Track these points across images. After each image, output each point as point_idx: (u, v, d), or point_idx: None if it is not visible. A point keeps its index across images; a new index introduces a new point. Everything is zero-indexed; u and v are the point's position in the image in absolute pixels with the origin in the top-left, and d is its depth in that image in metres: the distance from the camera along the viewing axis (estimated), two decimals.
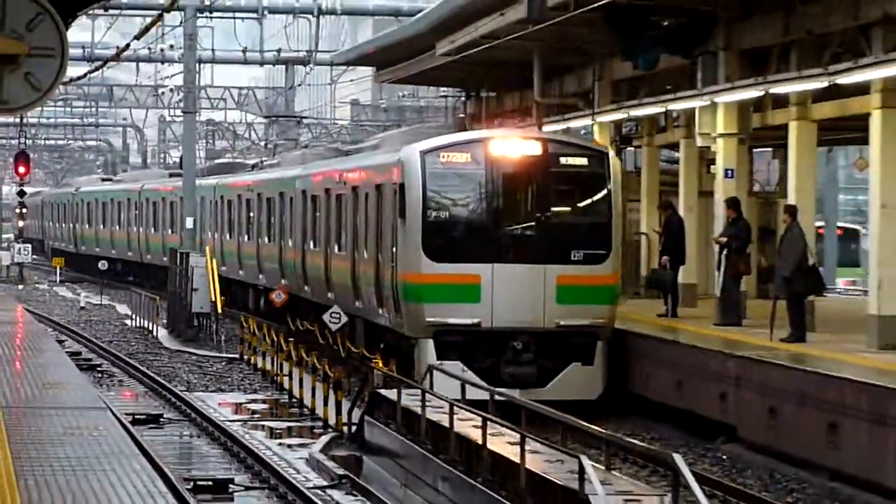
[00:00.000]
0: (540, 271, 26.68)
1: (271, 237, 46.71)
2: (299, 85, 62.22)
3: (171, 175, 65.26)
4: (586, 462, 14.94)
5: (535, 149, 27.49)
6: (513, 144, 27.65)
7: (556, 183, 27.77)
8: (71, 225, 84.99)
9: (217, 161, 57.19)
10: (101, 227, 78.18)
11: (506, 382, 25.54)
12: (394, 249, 28.47)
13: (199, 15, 46.17)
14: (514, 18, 32.03)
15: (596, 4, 26.99)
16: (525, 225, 27.62)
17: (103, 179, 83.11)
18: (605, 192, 27.52)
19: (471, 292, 26.49)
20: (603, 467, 16.13)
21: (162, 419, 30.36)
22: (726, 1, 29.24)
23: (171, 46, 52.59)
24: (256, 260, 48.27)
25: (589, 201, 28.08)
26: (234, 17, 51.51)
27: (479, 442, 18.92)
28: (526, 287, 26.60)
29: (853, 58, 25.29)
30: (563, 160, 27.39)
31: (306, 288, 40.77)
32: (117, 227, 74.61)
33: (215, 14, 49.45)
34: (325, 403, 28.34)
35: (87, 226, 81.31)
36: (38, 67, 12.86)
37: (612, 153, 28.81)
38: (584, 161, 27.56)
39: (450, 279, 26.54)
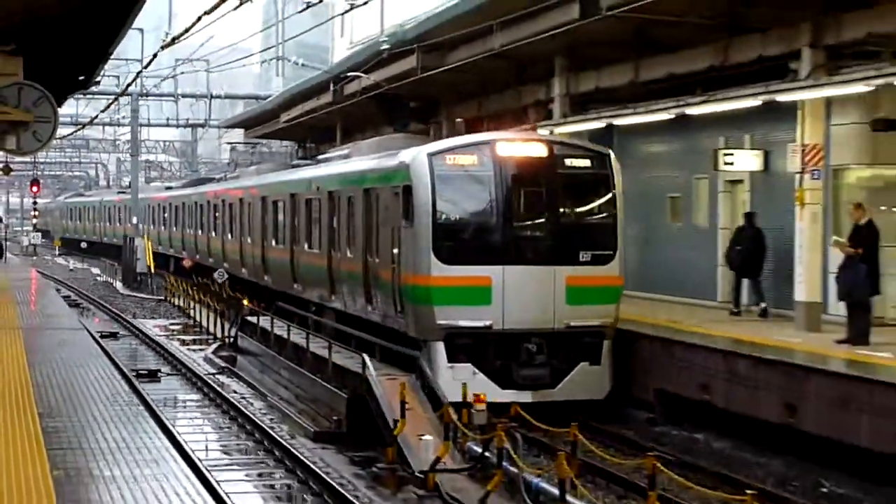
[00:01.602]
0: (550, 272, 25.34)
1: (233, 234, 48.77)
2: (200, 138, 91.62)
3: (119, 192, 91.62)
4: (366, 357, 25.56)
5: (541, 150, 26.21)
6: (519, 146, 26.27)
7: (562, 184, 26.31)
8: (64, 221, 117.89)
9: (192, 178, 71.38)
10: (80, 222, 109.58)
11: (518, 384, 24.59)
12: (394, 251, 26.63)
13: (139, 98, 68.57)
14: (325, 101, 48.75)
15: (371, 94, 42.44)
16: (534, 226, 26.34)
17: (80, 193, 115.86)
18: (610, 193, 26.33)
19: (482, 294, 24.94)
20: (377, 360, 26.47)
21: (118, 335, 43.11)
22: (445, 91, 41.15)
23: (123, 116, 75.02)
24: (221, 252, 51.02)
25: (595, 202, 26.75)
26: (160, 100, 76.16)
27: (305, 346, 30.91)
28: (536, 288, 25.23)
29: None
30: (567, 161, 26.06)
31: (266, 277, 41.89)
32: (90, 223, 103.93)
33: (150, 97, 72.65)
34: (215, 325, 41.95)
35: (73, 221, 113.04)
36: (40, 128, 21.74)
37: (613, 155, 27.06)
38: (587, 163, 26.26)
39: (461, 281, 24.96)
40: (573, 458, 18.73)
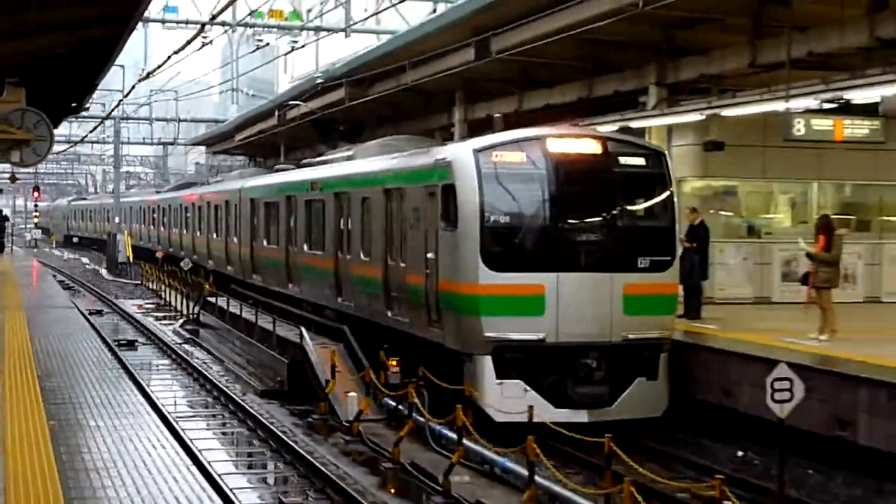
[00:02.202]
0: (607, 280, 19.25)
1: (219, 234, 42.25)
2: (170, 154, 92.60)
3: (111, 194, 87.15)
4: (304, 330, 25.25)
5: (595, 147, 19.94)
6: (571, 142, 19.99)
7: (618, 184, 20.12)
8: (60, 220, 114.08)
9: (180, 182, 68.37)
10: (73, 221, 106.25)
11: (574, 403, 18.79)
12: (428, 256, 20.42)
13: (121, 121, 68.10)
14: (271, 124, 47.03)
15: (308, 119, 40.98)
16: (590, 230, 19.82)
17: (75, 200, 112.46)
18: (667, 193, 20.34)
19: (534, 304, 18.84)
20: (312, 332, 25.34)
21: (103, 312, 41.86)
22: (368, 117, 40.46)
23: (107, 136, 74.61)
24: (207, 249, 44.80)
25: (652, 204, 20.59)
26: (138, 122, 73.40)
27: (254, 321, 30.07)
28: (593, 297, 19.15)
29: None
30: (622, 160, 20.04)
31: (255, 276, 35.41)
32: (82, 221, 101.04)
33: (129, 120, 71.40)
34: (182, 304, 40.80)
35: (68, 220, 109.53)
36: (39, 145, 22.01)
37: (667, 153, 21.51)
38: (642, 161, 20.27)
39: (511, 290, 18.93)
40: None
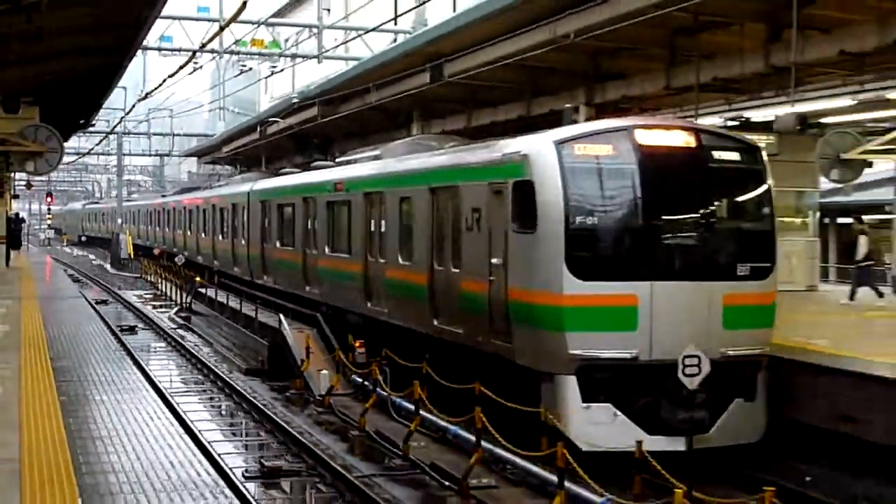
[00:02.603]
0: (705, 290, 14.87)
1: (224, 235, 37.32)
2: (166, 164, 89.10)
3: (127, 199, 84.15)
4: (282, 316, 24.71)
5: (688, 139, 15.50)
6: (662, 134, 15.51)
7: (714, 181, 15.64)
8: (75, 222, 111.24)
9: (184, 187, 65.57)
10: (87, 223, 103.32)
11: (671, 428, 14.17)
12: (493, 261, 15.88)
13: (123, 135, 67.74)
14: (253, 138, 46.63)
15: (286, 133, 40.81)
16: (686, 233, 15.31)
17: (89, 204, 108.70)
18: (765, 192, 15.86)
19: (626, 317, 14.49)
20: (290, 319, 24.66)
21: (107, 302, 41.82)
22: (337, 132, 40.10)
23: (111, 148, 73.93)
24: (212, 250, 39.91)
25: (751, 204, 16.08)
26: (138, 136, 73.68)
27: (239, 308, 29.80)
28: (690, 309, 14.77)
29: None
30: (716, 154, 15.59)
31: (266, 277, 30.53)
32: (90, 223, 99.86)
33: (130, 135, 71.30)
34: (177, 294, 40.47)
35: (82, 221, 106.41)
36: (51, 156, 22.47)
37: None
38: (737, 156, 15.76)
39: (601, 301, 14.56)
40: None
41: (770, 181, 15.92)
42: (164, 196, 60.38)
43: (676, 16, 17.31)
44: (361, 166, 23.91)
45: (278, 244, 29.22)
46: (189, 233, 45.46)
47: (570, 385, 14.33)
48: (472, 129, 29.23)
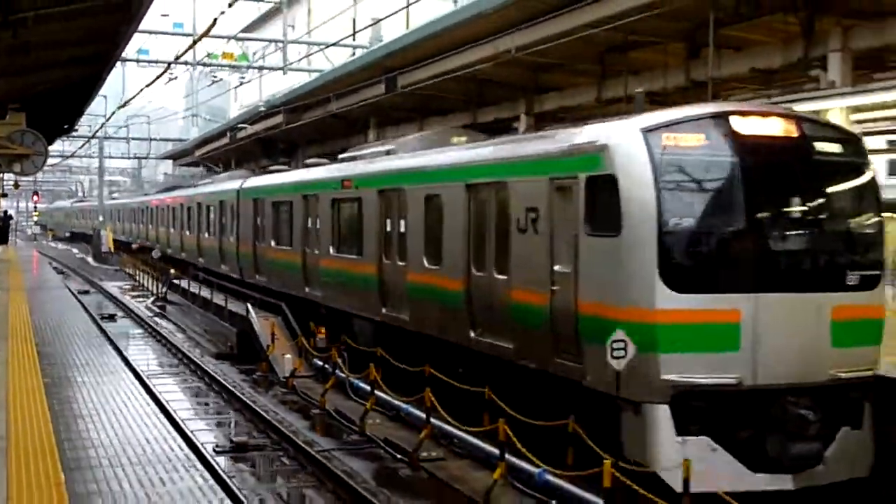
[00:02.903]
0: (813, 302, 11.60)
1: (211, 233, 33.66)
2: (143, 167, 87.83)
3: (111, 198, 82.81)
4: (250, 305, 24.52)
5: (789, 129, 12.05)
6: (759, 122, 11.98)
7: (820, 177, 12.23)
8: (62, 219, 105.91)
9: (168, 185, 64.17)
10: (65, 219, 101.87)
11: (779, 464, 11.06)
12: (556, 268, 12.53)
13: (104, 139, 64.86)
14: (224, 142, 45.73)
15: (253, 138, 39.60)
16: (794, 237, 11.95)
17: (77, 202, 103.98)
18: (873, 189, 12.49)
19: (727, 336, 11.25)
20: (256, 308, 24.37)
21: (89, 292, 41.06)
22: (301, 138, 39.17)
23: (93, 151, 71.00)
24: (197, 248, 35.78)
25: (859, 203, 12.56)
26: (118, 140, 71.05)
27: (210, 298, 29.47)
28: (798, 325, 11.46)
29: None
30: (819, 146, 12.20)
31: (259, 277, 26.79)
32: (74, 220, 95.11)
33: (111, 139, 68.95)
34: (153, 285, 40.23)
35: (64, 218, 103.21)
36: (37, 159, 22.09)
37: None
38: (840, 147, 12.35)
39: (699, 317, 11.32)
40: None
41: (876, 176, 12.52)
42: (147, 194, 58.03)
43: (607, 35, 17.43)
44: (373, 162, 20.19)
45: (273, 243, 25.56)
46: (173, 230, 42.11)
47: (662, 415, 10.96)
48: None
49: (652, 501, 9.88)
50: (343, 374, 18.67)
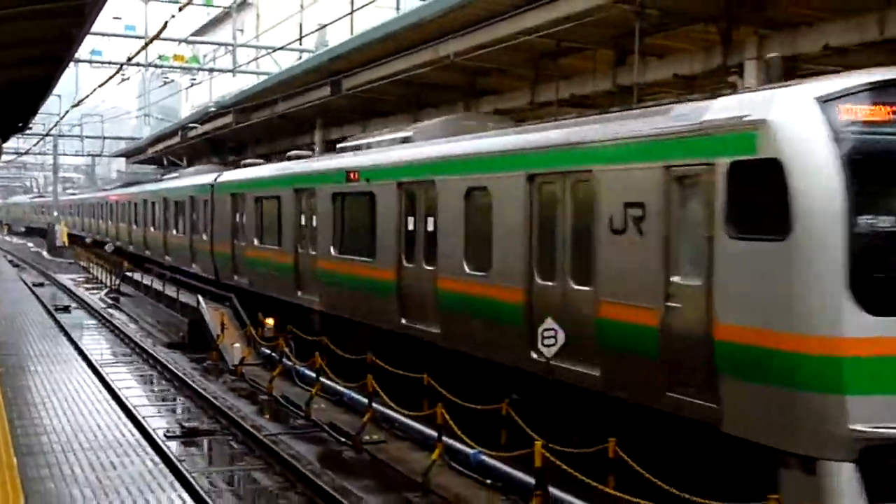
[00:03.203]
0: None
1: (179, 230, 30.88)
2: (97, 164, 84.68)
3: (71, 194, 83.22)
4: (200, 297, 23.88)
5: None
6: None
7: None
8: (20, 214, 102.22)
9: (128, 181, 62.44)
10: (21, 213, 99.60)
11: None
12: (677, 280, 9.41)
13: (58, 137, 63.23)
14: (175, 141, 43.24)
15: (203, 137, 38.13)
16: None
17: (36, 197, 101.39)
18: None
19: None
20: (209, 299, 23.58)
21: (44, 284, 40.20)
22: (250, 137, 38.62)
23: (48, 149, 70.24)
24: (163, 245, 33.16)
25: None
26: (72, 138, 69.22)
27: (162, 290, 28.69)
28: None
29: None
30: None
31: (237, 278, 23.86)
32: (30, 214, 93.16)
33: (65, 137, 66.70)
34: (107, 278, 39.16)
35: (21, 214, 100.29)
36: None
37: None
38: None
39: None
40: None
41: None
42: (106, 189, 54.67)
43: (540, 42, 17.50)
44: (387, 151, 16.78)
45: (256, 242, 22.44)
46: (135, 226, 39.03)
47: (847, 477, 7.92)
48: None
49: (580, 481, 9.95)
50: (290, 362, 18.56)
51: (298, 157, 22.77)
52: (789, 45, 14.96)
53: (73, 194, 75.32)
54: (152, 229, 35.32)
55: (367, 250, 16.42)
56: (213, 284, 25.87)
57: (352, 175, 17.33)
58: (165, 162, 54.28)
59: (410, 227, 14.98)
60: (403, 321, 15.05)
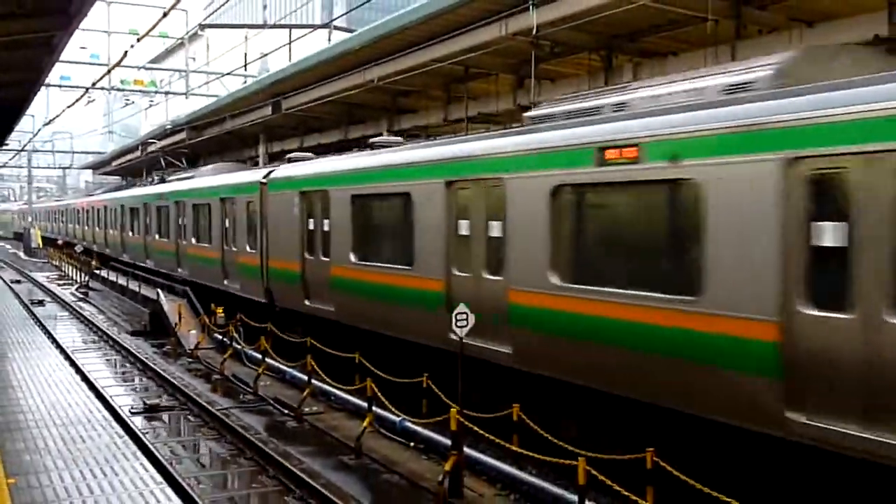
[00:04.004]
0: None
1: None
2: (68, 175, 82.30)
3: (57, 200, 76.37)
4: (160, 290, 23.13)
5: None
6: None
7: None
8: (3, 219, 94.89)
9: (114, 187, 60.48)
10: (24, 221, 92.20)
11: None
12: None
13: (32, 152, 60.90)
14: (136, 155, 43.00)
15: (161, 152, 37.48)
16: None
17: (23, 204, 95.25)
18: None
19: None
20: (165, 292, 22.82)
21: (21, 281, 38.70)
22: (202, 151, 36.94)
23: (22, 162, 67.47)
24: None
25: None
26: (45, 152, 67.97)
27: (126, 285, 28.14)
28: None
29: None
30: None
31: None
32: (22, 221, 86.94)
33: (39, 152, 65.44)
34: (77, 275, 37.93)
35: (5, 219, 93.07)
36: None
37: None
38: None
39: None
40: None
41: None
42: (90, 195, 49.03)
43: (451, 68, 17.57)
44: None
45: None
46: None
47: None
48: (304, 149, 28.87)
49: (491, 440, 10.01)
50: (239, 346, 18.32)
51: (383, 146, 15.44)
52: (659, 71, 15.24)
53: (59, 199, 69.30)
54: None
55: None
56: (264, 310, 18.36)
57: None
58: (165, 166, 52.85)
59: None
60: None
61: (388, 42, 17.78)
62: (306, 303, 15.81)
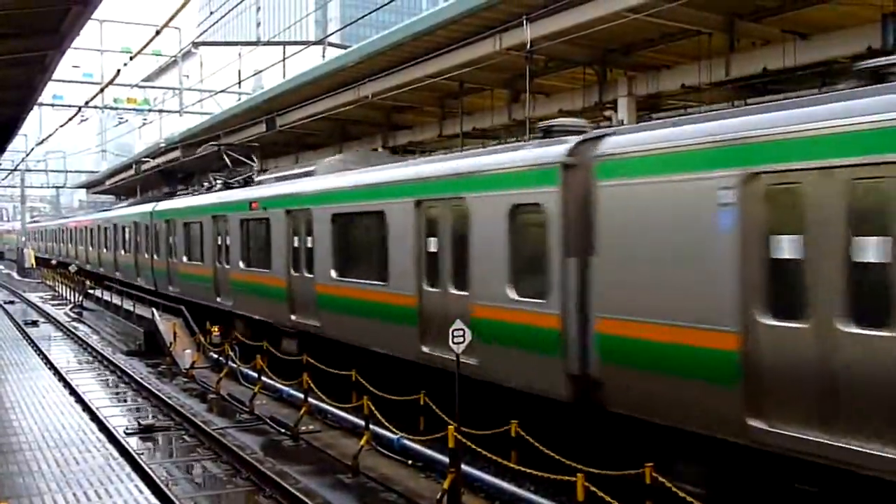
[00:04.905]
0: None
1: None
2: (62, 195, 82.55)
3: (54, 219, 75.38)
4: (154, 310, 22.92)
5: None
6: None
7: None
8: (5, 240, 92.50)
9: (105, 207, 60.67)
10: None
11: None
12: None
13: (25, 171, 59.53)
14: (130, 173, 43.17)
15: (155, 170, 37.53)
16: None
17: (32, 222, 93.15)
18: None
19: None
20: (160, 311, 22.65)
21: (14, 302, 38.50)
22: (196, 168, 37.26)
23: (16, 182, 66.21)
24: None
25: None
26: (38, 171, 66.80)
27: (120, 304, 27.49)
28: None
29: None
30: None
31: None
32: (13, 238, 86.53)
33: (31, 171, 63.96)
34: (72, 295, 37.18)
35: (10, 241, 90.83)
36: None
37: None
38: None
39: None
40: None
41: None
42: (87, 213, 48.02)
43: (446, 83, 17.62)
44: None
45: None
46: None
47: None
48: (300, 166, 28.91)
49: (488, 458, 9.98)
50: (235, 364, 18.28)
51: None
52: (653, 84, 15.31)
53: (64, 217, 67.53)
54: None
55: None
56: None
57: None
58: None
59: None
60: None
61: (382, 58, 17.85)
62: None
